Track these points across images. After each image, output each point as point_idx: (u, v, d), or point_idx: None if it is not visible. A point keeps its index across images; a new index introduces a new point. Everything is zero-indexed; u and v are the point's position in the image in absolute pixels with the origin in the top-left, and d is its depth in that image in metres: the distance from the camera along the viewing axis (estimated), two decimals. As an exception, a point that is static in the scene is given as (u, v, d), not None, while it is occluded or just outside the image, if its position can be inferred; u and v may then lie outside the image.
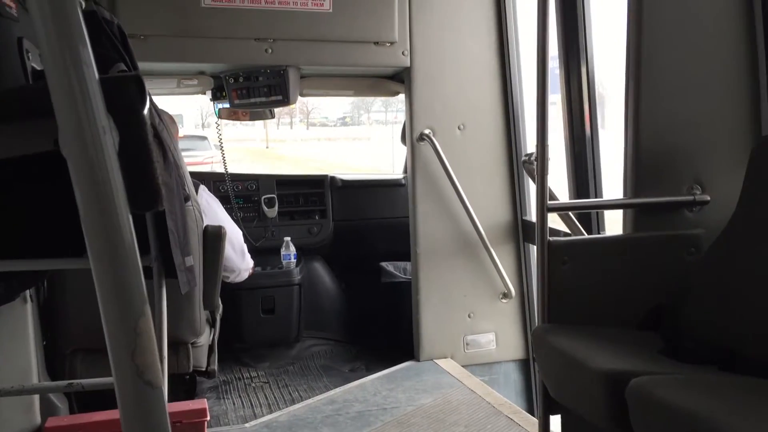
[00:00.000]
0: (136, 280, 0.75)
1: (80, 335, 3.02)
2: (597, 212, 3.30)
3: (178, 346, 3.07)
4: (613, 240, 2.48)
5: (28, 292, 2.72)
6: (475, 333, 3.97)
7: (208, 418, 2.93)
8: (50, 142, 0.78)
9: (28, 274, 2.65)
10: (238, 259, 3.48)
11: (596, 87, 3.26)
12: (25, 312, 2.72)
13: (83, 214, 0.74)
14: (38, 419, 2.79)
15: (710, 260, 2.18)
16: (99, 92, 0.75)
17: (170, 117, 3.14)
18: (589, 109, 3.27)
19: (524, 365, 4.03)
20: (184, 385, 3.37)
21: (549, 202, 2.26)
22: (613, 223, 3.11)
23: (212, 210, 3.36)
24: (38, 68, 1.44)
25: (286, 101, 3.78)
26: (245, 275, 3.66)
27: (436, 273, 3.89)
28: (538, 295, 2.29)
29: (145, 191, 0.95)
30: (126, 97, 0.92)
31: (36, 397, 2.80)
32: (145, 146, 0.95)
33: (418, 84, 3.78)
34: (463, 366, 3.81)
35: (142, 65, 2.59)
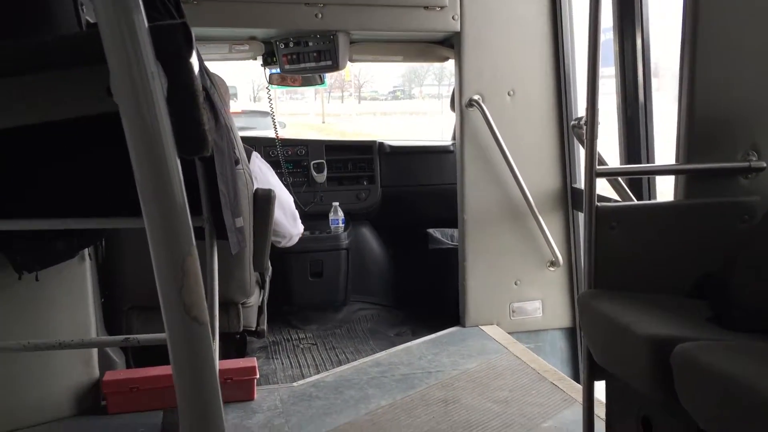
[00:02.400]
0: (183, 221, 0.78)
1: (136, 293, 3.14)
2: (648, 179, 3.24)
3: (229, 306, 3.16)
4: (664, 206, 2.44)
5: (86, 250, 2.83)
6: (522, 300, 3.96)
7: (258, 376, 3.03)
8: (103, 89, 0.81)
9: (88, 233, 2.76)
10: (290, 224, 3.54)
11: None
12: (84, 270, 2.83)
13: (134, 157, 0.77)
14: (97, 372, 2.92)
15: (763, 228, 2.13)
16: (148, 39, 0.78)
17: (222, 81, 3.19)
18: (644, 74, 3.20)
19: (570, 333, 4.01)
20: (235, 344, 3.47)
21: (598, 167, 2.23)
22: (665, 196, 3.05)
23: (264, 176, 3.42)
24: (92, 21, 1.49)
25: (335, 66, 3.79)
26: (296, 240, 3.73)
27: (483, 240, 3.88)
28: (585, 260, 2.28)
29: (192, 136, 0.98)
30: (173, 44, 0.95)
31: (95, 351, 2.92)
32: (192, 92, 0.98)
33: (467, 49, 3.74)
34: (509, 333, 3.82)
35: (195, 30, 2.63)
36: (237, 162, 2.86)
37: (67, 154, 2.37)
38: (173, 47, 0.92)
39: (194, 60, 1.01)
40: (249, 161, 3.24)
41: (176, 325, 0.78)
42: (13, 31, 1.26)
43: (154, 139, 0.77)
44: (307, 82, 4.21)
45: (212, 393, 0.80)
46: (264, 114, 6.46)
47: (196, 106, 0.97)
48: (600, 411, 2.33)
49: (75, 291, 2.81)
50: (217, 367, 2.36)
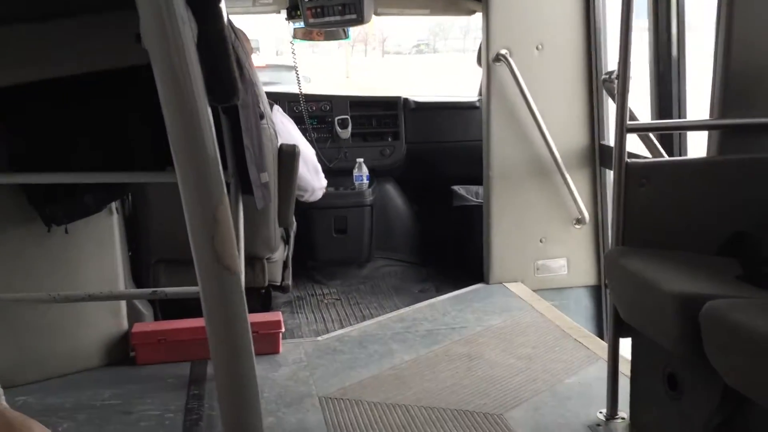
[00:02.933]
0: (214, 169, 0.78)
1: (163, 247, 3.17)
2: (680, 137, 3.17)
3: (254, 261, 3.19)
4: (696, 162, 2.39)
5: (114, 204, 2.86)
6: (547, 258, 3.94)
7: (283, 329, 3.06)
8: (133, 37, 0.80)
9: (114, 187, 2.78)
10: (312, 177, 3.54)
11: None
12: (112, 223, 2.87)
13: (164, 104, 0.76)
14: (125, 324, 2.98)
15: (799, 185, 2.08)
16: None
17: (245, 35, 3.16)
18: (677, 28, 3.11)
19: (596, 291, 3.99)
20: (260, 299, 3.52)
21: (629, 122, 2.19)
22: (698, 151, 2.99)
23: (286, 129, 3.40)
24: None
25: (360, 20, 3.72)
26: (319, 194, 3.73)
27: (509, 197, 3.85)
28: (613, 217, 2.25)
29: (221, 83, 0.97)
30: None
31: (123, 304, 2.97)
32: (222, 39, 0.97)
33: (495, 2, 3.66)
34: (533, 290, 3.81)
35: (219, -18, 2.60)
36: (262, 117, 2.86)
37: (95, 108, 2.38)
38: None
39: (223, 6, 1.00)
40: (271, 113, 3.24)
41: (208, 273, 0.78)
42: None
43: (184, 85, 0.76)
44: (331, 36, 4.15)
45: (244, 341, 0.80)
46: (289, 68, 6.38)
47: (226, 53, 0.96)
48: (624, 368, 2.33)
49: (103, 244, 2.85)
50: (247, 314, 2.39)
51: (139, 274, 3.26)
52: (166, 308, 3.27)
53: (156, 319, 3.23)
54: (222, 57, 0.96)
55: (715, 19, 2.26)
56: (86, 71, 1.35)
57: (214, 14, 0.97)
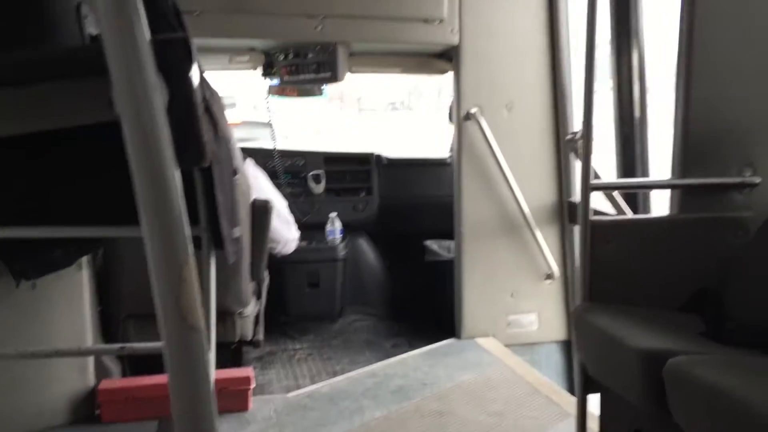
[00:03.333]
0: (181, 230, 0.80)
1: (133, 302, 3.14)
2: (644, 195, 3.26)
3: (225, 316, 3.17)
4: (658, 221, 2.46)
5: (84, 259, 2.84)
6: (518, 313, 3.97)
7: (253, 385, 3.03)
8: (106, 102, 0.83)
9: (85, 242, 2.76)
10: (284, 229, 3.56)
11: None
12: (81, 278, 2.85)
13: (133, 166, 0.79)
14: (92, 380, 2.93)
15: (758, 243, 2.15)
16: (149, 52, 0.81)
17: (217, 93, 3.20)
18: (640, 90, 3.23)
19: (566, 346, 4.02)
20: (231, 354, 3.47)
21: (593, 181, 2.25)
22: (662, 211, 3.07)
23: (257, 182, 3.44)
24: (94, 33, 1.51)
25: (334, 78, 3.82)
26: (292, 246, 3.74)
27: (480, 252, 3.90)
28: (580, 273, 2.29)
29: (191, 147, 1.00)
30: (174, 57, 0.97)
31: (90, 360, 2.93)
32: (191, 104, 1.00)
33: (466, 62, 3.77)
34: (504, 345, 3.83)
35: (197, 41, 2.65)
36: (235, 172, 2.88)
37: (67, 163, 2.38)
38: (174, 60, 0.94)
39: (194, 73, 1.03)
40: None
41: (173, 332, 0.79)
42: (18, 42, 1.28)
43: (153, 148, 0.79)
44: (305, 93, 4.23)
45: (206, 400, 0.81)
46: (265, 125, 6.41)
47: (195, 118, 0.99)
48: (594, 424, 2.34)
49: (72, 299, 2.82)
50: (213, 376, 2.37)
51: (108, 329, 3.21)
52: (134, 364, 3.22)
53: (124, 375, 3.18)
54: (191, 122, 1.00)
55: (675, 79, 2.35)
56: (58, 127, 1.38)
57: (185, 81, 1.01)
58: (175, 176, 0.81)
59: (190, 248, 0.82)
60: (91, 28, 1.53)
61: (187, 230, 0.82)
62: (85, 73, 0.96)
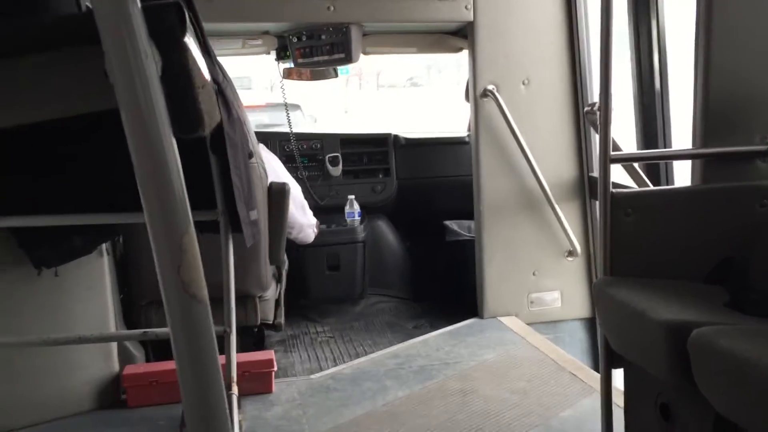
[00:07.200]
0: (180, 198, 0.79)
1: (154, 288, 3.14)
2: (666, 166, 3.20)
3: (246, 300, 3.17)
4: (680, 192, 2.41)
5: (104, 246, 2.86)
6: (540, 291, 3.94)
7: (276, 368, 3.04)
8: (102, 72, 0.82)
9: (105, 229, 2.78)
10: (299, 213, 3.55)
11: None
12: (102, 265, 2.86)
13: (129, 135, 0.78)
14: (116, 366, 2.95)
15: (783, 212, 2.10)
16: (141, 19, 0.79)
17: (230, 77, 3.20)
18: (659, 60, 3.16)
19: (590, 324, 3.98)
20: (253, 338, 3.49)
21: (612, 152, 2.21)
22: (685, 181, 3.01)
23: (271, 166, 3.43)
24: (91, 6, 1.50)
25: (348, 59, 3.79)
26: (309, 232, 3.73)
27: (500, 231, 3.86)
28: (600, 248, 2.26)
29: (187, 115, 0.98)
30: (166, 24, 0.95)
31: (114, 346, 2.95)
32: (186, 71, 0.99)
33: (481, 39, 3.72)
34: (527, 324, 3.80)
35: (209, 26, 2.63)
36: (251, 155, 2.87)
37: (83, 149, 2.39)
38: (166, 27, 0.93)
39: (189, 40, 1.02)
40: None
41: (174, 302, 0.79)
42: (11, 12, 1.27)
43: (148, 117, 0.78)
44: (319, 76, 4.21)
45: (213, 371, 0.80)
46: (294, 107, 6.28)
47: (191, 85, 0.98)
48: (618, 399, 2.31)
49: (94, 286, 2.84)
50: (235, 359, 2.37)
51: (130, 316, 3.24)
52: (158, 349, 3.24)
53: (148, 360, 3.21)
54: (187, 89, 0.98)
55: (694, 48, 2.29)
56: (68, 115, 1.37)
57: (178, 48, 0.99)
58: (173, 144, 0.80)
59: (191, 218, 0.80)
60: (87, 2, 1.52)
61: (187, 200, 0.80)
62: (78, 41, 0.95)
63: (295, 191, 3.54)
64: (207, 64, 1.62)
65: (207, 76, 1.42)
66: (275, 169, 3.44)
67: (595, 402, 2.56)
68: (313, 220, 3.72)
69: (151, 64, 0.78)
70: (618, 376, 2.33)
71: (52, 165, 2.42)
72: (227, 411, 0.81)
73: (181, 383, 0.82)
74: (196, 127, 1.02)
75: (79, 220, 2.34)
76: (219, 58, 2.27)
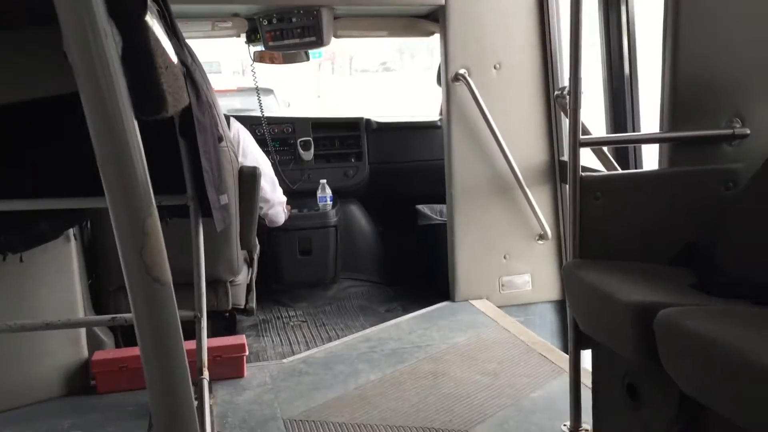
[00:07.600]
0: (142, 181, 0.78)
1: (123, 273, 3.12)
2: (635, 150, 3.24)
3: (217, 284, 3.16)
4: (648, 175, 2.44)
5: (71, 231, 2.81)
6: (511, 274, 3.97)
7: (247, 353, 3.03)
8: (61, 53, 0.80)
9: (71, 214, 2.74)
10: (269, 188, 3.54)
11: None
12: (70, 250, 2.82)
13: (90, 118, 0.76)
14: (85, 352, 2.92)
15: (748, 195, 2.13)
16: None
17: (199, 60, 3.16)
18: (629, 45, 3.18)
19: (560, 306, 4.03)
20: (224, 322, 3.48)
21: (582, 137, 2.22)
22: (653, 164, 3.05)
23: (243, 141, 3.42)
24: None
25: (320, 42, 3.76)
26: (279, 210, 3.72)
27: (472, 214, 3.88)
28: (570, 230, 2.28)
29: (149, 96, 0.97)
30: (126, 3, 0.93)
31: (83, 332, 2.92)
32: (147, 52, 0.97)
33: (453, 23, 3.71)
34: (498, 307, 3.83)
35: (177, 8, 2.59)
36: (220, 139, 2.84)
37: (48, 134, 2.35)
38: (126, 5, 0.91)
39: (152, 20, 1.00)
40: (229, 127, 3.23)
41: (136, 285, 0.78)
42: None
43: (108, 98, 0.76)
44: (290, 59, 4.17)
45: (177, 355, 0.79)
46: (267, 91, 6.17)
47: (152, 66, 0.96)
48: (587, 379, 2.35)
49: (61, 271, 2.80)
50: (206, 343, 2.35)
51: (99, 302, 3.20)
52: (127, 335, 3.21)
53: (117, 346, 3.18)
54: (148, 69, 0.96)
55: (662, 32, 2.31)
56: (34, 97, 1.34)
57: (138, 28, 0.97)
58: (134, 126, 0.78)
59: (153, 201, 0.79)
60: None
61: (149, 182, 0.79)
62: (34, 21, 0.93)
63: (266, 168, 3.53)
64: (174, 46, 1.59)
65: (174, 57, 1.39)
66: (248, 146, 3.42)
67: (565, 383, 2.59)
68: (283, 198, 3.71)
69: (111, 43, 0.77)
70: (587, 357, 2.37)
71: (19, 150, 2.38)
72: (192, 396, 0.80)
73: (145, 368, 0.82)
74: (158, 108, 1.01)
75: (44, 204, 2.30)
76: (188, 41, 2.25)
